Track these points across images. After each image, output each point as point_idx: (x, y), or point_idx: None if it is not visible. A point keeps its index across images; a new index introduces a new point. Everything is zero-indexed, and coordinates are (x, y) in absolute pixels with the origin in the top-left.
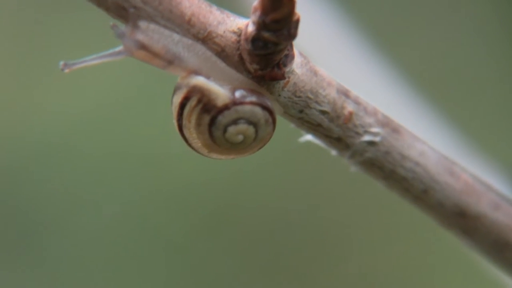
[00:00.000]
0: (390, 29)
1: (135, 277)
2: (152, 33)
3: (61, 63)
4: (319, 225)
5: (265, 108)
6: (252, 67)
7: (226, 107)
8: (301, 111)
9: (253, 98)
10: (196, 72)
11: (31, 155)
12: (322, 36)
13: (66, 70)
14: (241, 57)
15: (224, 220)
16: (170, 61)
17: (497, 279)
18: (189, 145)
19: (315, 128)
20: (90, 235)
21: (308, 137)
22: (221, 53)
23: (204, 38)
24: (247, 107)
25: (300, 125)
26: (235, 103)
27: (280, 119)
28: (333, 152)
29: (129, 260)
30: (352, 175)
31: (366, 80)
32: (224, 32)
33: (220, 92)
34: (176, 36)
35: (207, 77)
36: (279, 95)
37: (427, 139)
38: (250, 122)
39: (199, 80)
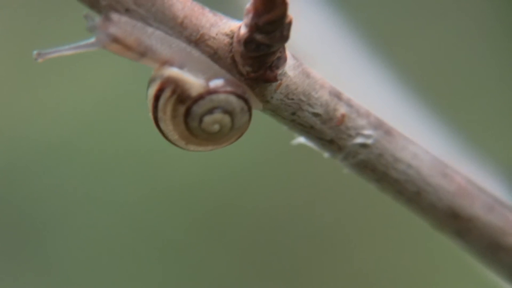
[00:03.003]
0: (388, 29)
1: (134, 276)
2: (124, 26)
3: (35, 52)
4: (317, 225)
5: (240, 96)
6: (245, 69)
7: (200, 97)
8: (293, 114)
9: (227, 87)
10: (170, 63)
11: (31, 155)
12: (319, 37)
13: (40, 60)
14: (233, 60)
15: (222, 219)
16: (142, 53)
17: (491, 280)
18: (166, 137)
19: (307, 130)
20: (89, 234)
21: (301, 139)
22: (214, 55)
23: (197, 40)
24: (222, 96)
25: (293, 128)
26: (209, 92)
27: (272, 121)
28: (326, 154)
29: (128, 259)
30: (349, 175)
31: (363, 81)
32: (217, 34)
33: (194, 82)
34: (149, 29)
35: (181, 68)
36: (272, 98)
37: (425, 140)
38: (225, 111)
39: (173, 71)
